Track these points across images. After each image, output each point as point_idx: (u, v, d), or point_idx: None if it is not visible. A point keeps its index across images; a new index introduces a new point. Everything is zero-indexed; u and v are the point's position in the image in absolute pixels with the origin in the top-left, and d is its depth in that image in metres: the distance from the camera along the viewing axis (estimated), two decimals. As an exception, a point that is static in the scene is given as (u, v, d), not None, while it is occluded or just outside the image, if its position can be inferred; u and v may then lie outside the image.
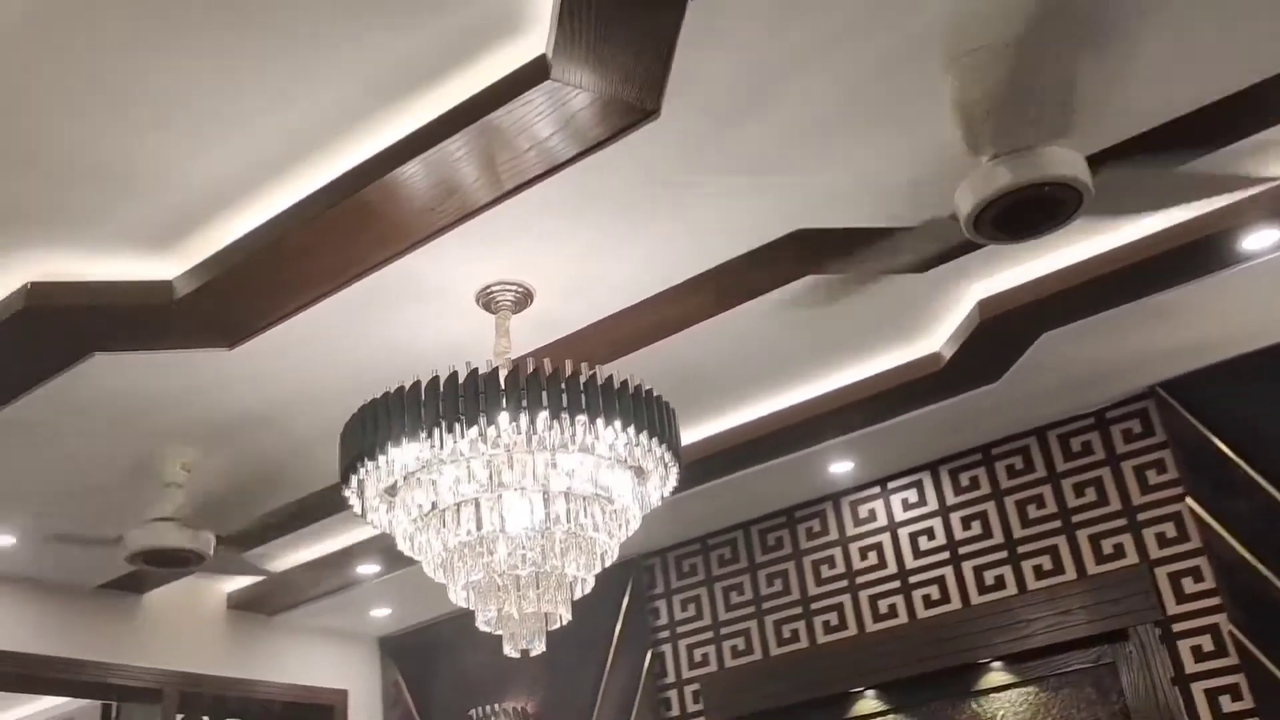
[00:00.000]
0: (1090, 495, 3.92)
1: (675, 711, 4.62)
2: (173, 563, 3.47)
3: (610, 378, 2.39)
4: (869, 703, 4.23)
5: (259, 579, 4.73)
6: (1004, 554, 4.03)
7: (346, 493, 2.51)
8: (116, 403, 3.13)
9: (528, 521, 2.45)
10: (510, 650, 2.70)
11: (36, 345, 2.81)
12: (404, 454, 2.37)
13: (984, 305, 3.21)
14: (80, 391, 3.03)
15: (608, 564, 2.61)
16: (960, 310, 3.29)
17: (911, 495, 4.30)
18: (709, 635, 4.63)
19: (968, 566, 4.10)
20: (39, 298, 2.62)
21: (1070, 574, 3.88)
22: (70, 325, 2.74)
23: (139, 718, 4.59)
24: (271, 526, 4.04)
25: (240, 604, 4.88)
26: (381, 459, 2.38)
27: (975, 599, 4.04)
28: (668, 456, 2.50)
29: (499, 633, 2.68)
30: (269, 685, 4.96)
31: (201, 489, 3.55)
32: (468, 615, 2.67)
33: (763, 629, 4.50)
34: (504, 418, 2.30)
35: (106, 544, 3.85)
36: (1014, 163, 2.31)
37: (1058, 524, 3.95)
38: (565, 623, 2.66)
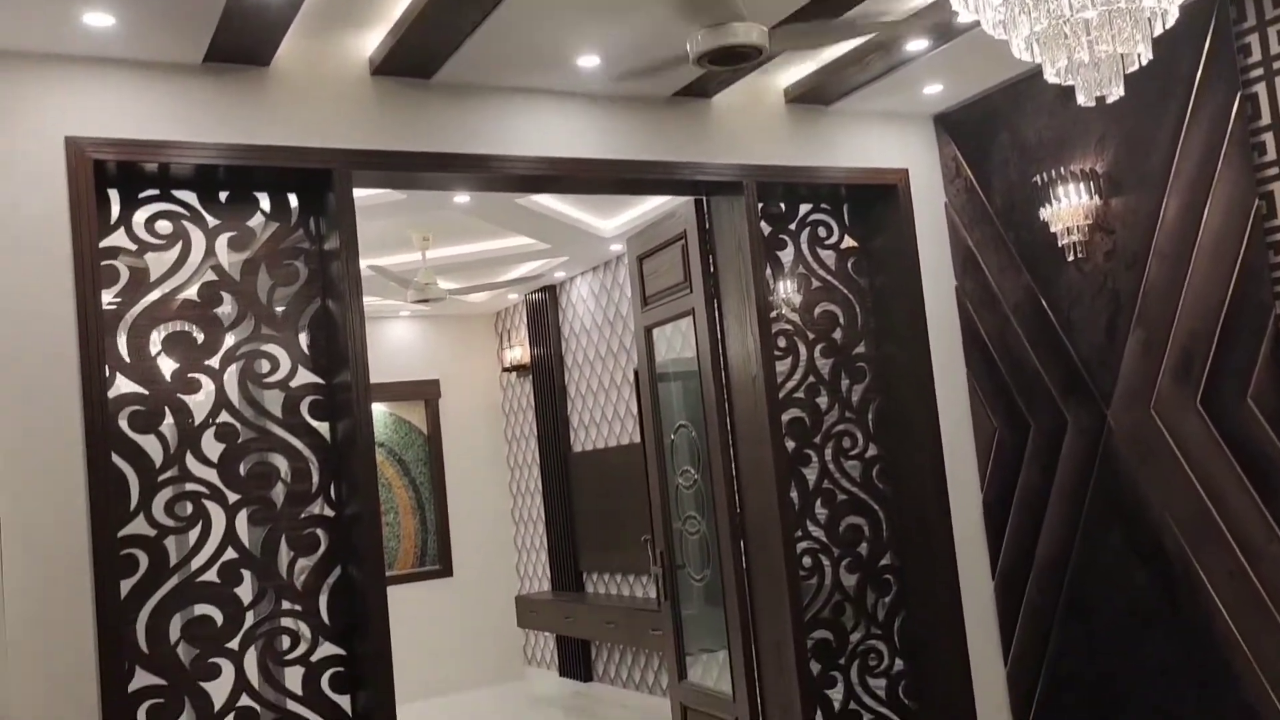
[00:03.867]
0: None
1: (1270, 156, 4.19)
2: (734, 59, 3.68)
3: None
4: None
5: (812, 70, 4.89)
6: None
7: (896, -45, 2.43)
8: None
9: (1097, -46, 2.22)
10: (1084, 99, 2.59)
11: None
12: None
13: None
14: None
15: (1194, -11, 2.33)
16: None
17: None
18: (1315, 67, 4.04)
19: None
20: None
21: None
22: None
23: (724, 208, 5.12)
24: (816, 12, 4.08)
25: (797, 97, 5.10)
26: (929, -90, 2.24)
27: None
28: None
29: (1070, 83, 2.57)
30: (833, 170, 5.25)
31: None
32: (1023, 82, 2.57)
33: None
34: None
35: (672, 52, 4.16)
36: None
37: None
38: (1145, 62, 2.47)
